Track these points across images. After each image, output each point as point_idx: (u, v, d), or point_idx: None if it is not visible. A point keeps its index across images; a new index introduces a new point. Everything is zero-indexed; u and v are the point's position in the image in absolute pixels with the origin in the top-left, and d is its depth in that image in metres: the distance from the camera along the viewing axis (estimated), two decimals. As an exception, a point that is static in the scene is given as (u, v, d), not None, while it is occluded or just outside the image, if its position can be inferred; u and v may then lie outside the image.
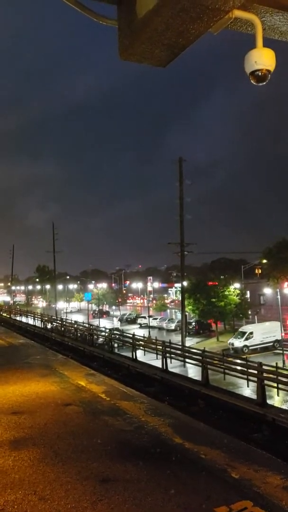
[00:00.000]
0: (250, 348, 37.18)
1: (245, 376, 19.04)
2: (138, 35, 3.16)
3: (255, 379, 17.21)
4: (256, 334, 38.32)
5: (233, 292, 53.59)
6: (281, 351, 34.56)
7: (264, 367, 17.24)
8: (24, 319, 53.48)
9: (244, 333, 38.79)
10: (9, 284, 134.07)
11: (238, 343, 36.39)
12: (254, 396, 17.40)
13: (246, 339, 37.44)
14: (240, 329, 40.86)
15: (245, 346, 35.36)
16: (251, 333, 38.36)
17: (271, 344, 38.14)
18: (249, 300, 58.92)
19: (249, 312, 56.60)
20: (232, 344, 37.93)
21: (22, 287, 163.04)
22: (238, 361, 20.86)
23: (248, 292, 61.30)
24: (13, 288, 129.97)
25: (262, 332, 38.97)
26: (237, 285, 58.84)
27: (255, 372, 17.31)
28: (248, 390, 21.54)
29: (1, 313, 62.18)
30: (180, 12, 2.76)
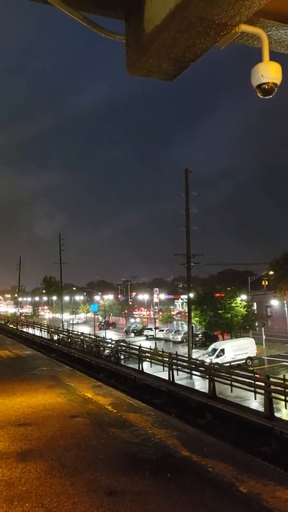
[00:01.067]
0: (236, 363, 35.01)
1: (252, 389, 18.89)
2: (146, 50, 3.22)
3: (263, 391, 17.07)
4: (228, 351, 36.62)
5: (240, 303, 53.35)
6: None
7: (272, 379, 17.11)
8: (30, 331, 53.48)
9: (215, 350, 37.04)
10: (16, 295, 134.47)
11: (209, 360, 34.02)
12: (261, 409, 17.24)
13: (217, 356, 35.29)
14: (211, 346, 39.09)
15: (216, 364, 32.83)
16: (222, 350, 36.68)
17: (243, 361, 36.68)
18: (256, 312, 58.55)
19: (256, 324, 56.24)
20: (202, 362, 35.60)
21: (29, 298, 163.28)
22: (245, 373, 20.70)
23: (255, 304, 61.00)
24: (19, 299, 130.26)
25: (234, 349, 37.49)
26: (244, 296, 58.55)
27: (263, 384, 17.17)
28: (255, 402, 21.34)
29: (8, 324, 62.21)
30: (187, 27, 2.81)
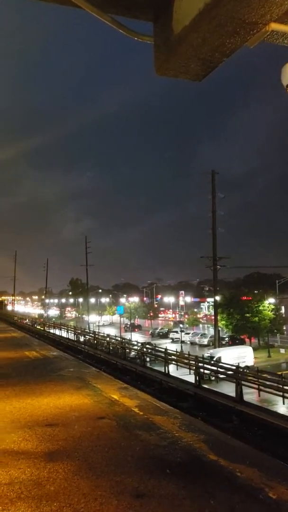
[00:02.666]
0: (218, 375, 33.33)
1: (281, 393, 18.59)
2: (174, 51, 3.21)
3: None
4: (225, 360, 35.38)
5: (268, 307, 52.66)
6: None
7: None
8: (57, 332, 54.06)
9: (212, 357, 35.81)
10: (43, 297, 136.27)
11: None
12: (290, 414, 16.94)
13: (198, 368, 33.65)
14: (207, 353, 37.72)
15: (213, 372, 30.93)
16: (219, 358, 34.80)
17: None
18: (284, 315, 57.63)
19: (284, 328, 55.37)
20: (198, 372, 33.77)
21: (56, 300, 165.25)
22: (274, 377, 20.38)
23: (283, 307, 60.01)
24: (46, 301, 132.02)
25: (232, 357, 35.57)
26: (271, 300, 57.78)
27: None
28: (283, 407, 21.01)
29: (36, 325, 63.06)
30: (216, 27, 2.79)
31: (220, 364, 23.53)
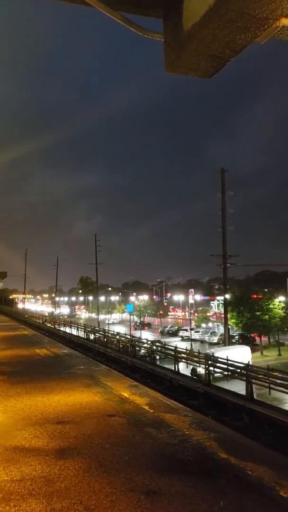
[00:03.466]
0: (215, 375, 32.35)
1: (291, 392, 18.50)
2: (184, 48, 3.19)
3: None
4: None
5: (278, 305, 52.43)
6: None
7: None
8: (67, 330, 54.29)
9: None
10: (53, 295, 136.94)
11: (201, 369, 31.59)
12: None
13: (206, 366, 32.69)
14: (203, 353, 36.93)
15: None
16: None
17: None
18: (294, 313, 57.18)
19: (295, 326, 54.96)
20: (194, 371, 31.85)
21: (66, 298, 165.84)
22: (285, 376, 20.27)
23: (293, 305, 59.54)
24: (57, 299, 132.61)
25: (229, 357, 35.50)
26: (282, 298, 57.47)
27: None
28: (294, 406, 20.87)
29: (46, 323, 63.37)
30: (227, 23, 2.76)
31: (231, 362, 23.44)
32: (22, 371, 12.84)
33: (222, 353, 36.98)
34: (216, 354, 35.54)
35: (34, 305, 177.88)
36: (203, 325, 78.75)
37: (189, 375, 27.53)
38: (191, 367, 29.87)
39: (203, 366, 28.43)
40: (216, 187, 44.30)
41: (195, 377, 28.74)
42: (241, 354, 36.70)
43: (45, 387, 10.35)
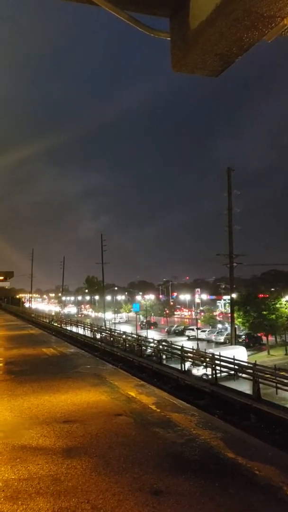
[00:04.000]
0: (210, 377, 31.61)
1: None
2: (191, 46, 3.18)
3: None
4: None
5: (285, 304, 52.21)
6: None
7: None
8: (74, 329, 54.40)
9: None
10: (60, 294, 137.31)
11: (196, 371, 30.41)
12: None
13: (206, 367, 30.32)
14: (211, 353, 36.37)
15: (205, 374, 28.81)
16: None
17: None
18: (301, 313, 56.91)
19: (302, 326, 54.67)
20: (189, 371, 30.86)
21: (72, 298, 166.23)
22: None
23: (300, 305, 59.26)
24: (63, 298, 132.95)
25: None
26: (288, 297, 57.15)
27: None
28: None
29: (53, 323, 63.56)
30: (234, 21, 2.75)
31: (237, 361, 23.39)
32: (29, 370, 12.88)
33: (219, 353, 36.81)
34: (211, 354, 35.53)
35: (40, 304, 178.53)
36: (210, 325, 78.59)
37: (195, 375, 27.49)
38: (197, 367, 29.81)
39: (203, 366, 28.48)
40: (224, 186, 44.19)
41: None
42: (237, 356, 36.49)
43: (52, 386, 10.38)
